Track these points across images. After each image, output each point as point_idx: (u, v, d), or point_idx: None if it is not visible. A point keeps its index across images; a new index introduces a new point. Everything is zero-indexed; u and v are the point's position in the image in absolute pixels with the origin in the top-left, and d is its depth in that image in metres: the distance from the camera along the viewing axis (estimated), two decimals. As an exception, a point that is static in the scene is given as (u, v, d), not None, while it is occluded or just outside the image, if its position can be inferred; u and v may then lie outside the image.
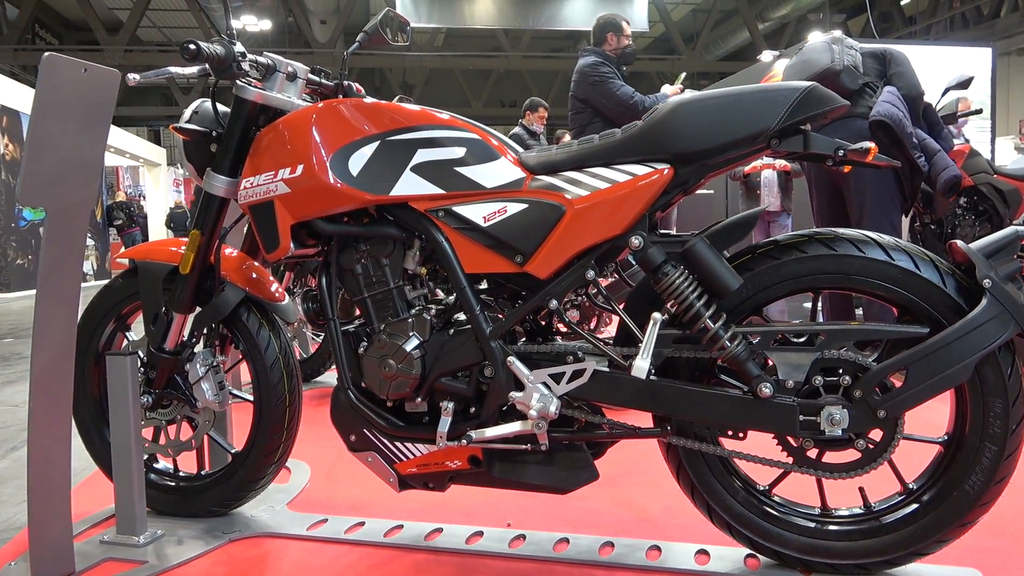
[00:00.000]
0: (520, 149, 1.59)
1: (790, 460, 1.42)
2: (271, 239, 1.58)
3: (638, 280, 1.54)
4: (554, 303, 1.45)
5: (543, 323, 1.64)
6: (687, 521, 1.77)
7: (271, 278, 1.85)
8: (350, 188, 1.51)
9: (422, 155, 1.51)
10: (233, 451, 1.87)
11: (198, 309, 1.78)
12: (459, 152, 1.50)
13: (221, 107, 1.75)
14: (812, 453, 1.43)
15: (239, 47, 1.57)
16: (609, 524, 1.79)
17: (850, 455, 1.39)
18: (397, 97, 2.28)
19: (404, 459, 1.60)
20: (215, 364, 1.79)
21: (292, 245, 1.59)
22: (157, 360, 1.77)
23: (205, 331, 1.78)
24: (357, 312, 1.71)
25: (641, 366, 1.34)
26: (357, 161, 1.52)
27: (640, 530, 1.75)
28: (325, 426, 1.90)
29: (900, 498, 1.44)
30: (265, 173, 1.56)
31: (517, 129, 6.64)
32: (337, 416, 1.64)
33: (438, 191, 1.50)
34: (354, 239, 1.61)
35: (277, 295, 1.80)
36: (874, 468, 1.37)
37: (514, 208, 1.46)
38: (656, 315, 1.36)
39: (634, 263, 1.46)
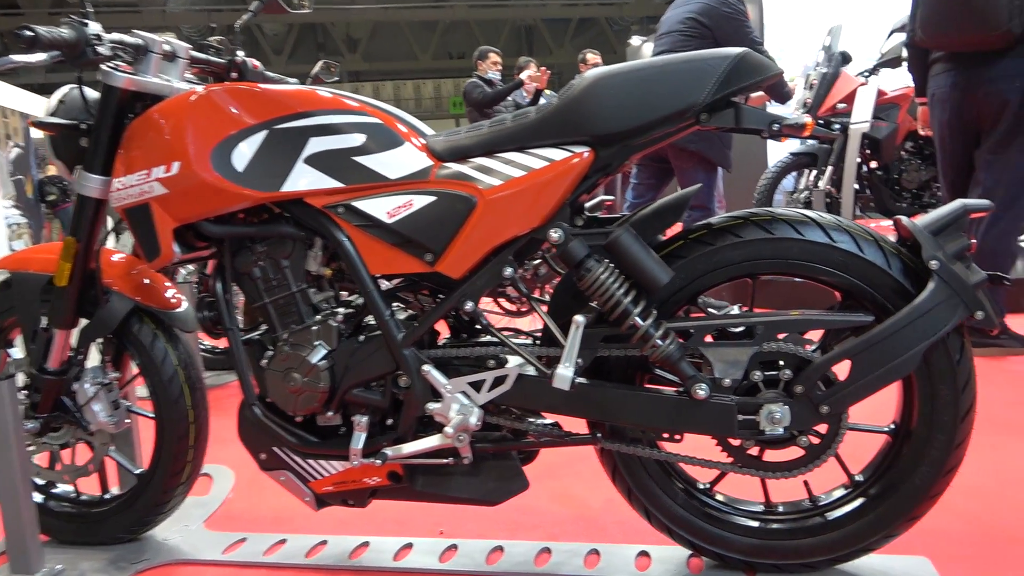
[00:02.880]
0: (429, 132, 1.43)
1: (730, 460, 1.32)
2: (150, 246, 1.40)
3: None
4: (469, 305, 1.31)
5: (467, 319, 1.51)
6: (628, 516, 1.68)
7: (168, 283, 1.67)
8: (235, 186, 1.34)
9: (315, 144, 1.34)
10: (138, 472, 1.71)
11: (85, 322, 1.60)
12: (358, 139, 1.33)
13: (91, 93, 1.54)
14: (753, 451, 1.33)
15: (94, 27, 1.36)
16: (547, 525, 1.69)
17: (793, 452, 1.29)
18: (320, 63, 2.08)
19: (319, 477, 1.46)
20: (107, 382, 1.62)
21: (177, 250, 1.42)
22: (40, 382, 1.59)
23: (94, 347, 1.60)
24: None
25: (564, 375, 1.22)
26: (241, 155, 1.34)
27: (579, 530, 1.65)
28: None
29: (846, 492, 1.36)
30: (137, 172, 1.37)
31: (473, 80, 6.29)
32: (244, 434, 1.49)
33: (336, 184, 1.33)
34: (249, 239, 1.44)
35: (172, 301, 1.62)
36: (818, 465, 1.28)
37: (421, 201, 1.31)
38: (578, 318, 1.23)
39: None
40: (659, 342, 1.23)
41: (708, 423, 1.25)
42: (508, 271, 1.29)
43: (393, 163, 1.33)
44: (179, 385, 1.61)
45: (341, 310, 1.43)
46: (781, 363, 1.26)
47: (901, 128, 4.92)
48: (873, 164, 5.12)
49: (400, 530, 1.70)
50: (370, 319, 1.45)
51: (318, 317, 1.42)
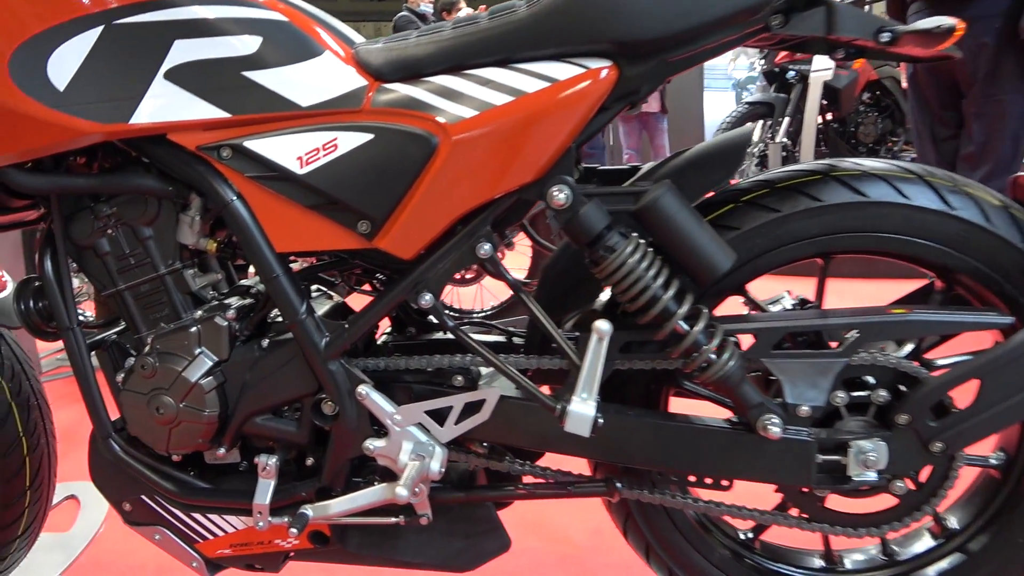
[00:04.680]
0: (358, 40, 0.97)
1: (793, 511, 0.95)
2: (-77, 206, 0.90)
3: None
4: (427, 298, 0.88)
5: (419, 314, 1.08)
6: (621, 554, 1.31)
7: (-20, 256, 1.17)
8: (54, 112, 0.85)
9: (182, 50, 0.86)
10: (-46, 521, 1.23)
11: None
12: (250, 44, 0.87)
13: None
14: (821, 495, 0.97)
15: None
16: (524, 568, 1.31)
17: (881, 500, 0.93)
18: None
19: (209, 537, 1.03)
20: None
21: None
22: None
23: None
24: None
25: (582, 415, 0.81)
26: (62, 64, 0.85)
27: (563, 574, 1.28)
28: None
29: (935, 543, 1.02)
30: None
31: (403, 14, 5.49)
32: (98, 477, 1.04)
33: (216, 114, 0.87)
34: (89, 197, 0.96)
35: (-14, 285, 1.13)
36: (916, 520, 0.93)
37: (350, 141, 0.86)
38: (601, 326, 0.82)
39: (556, 225, 0.91)
40: (713, 356, 0.83)
41: (777, 468, 0.87)
42: (485, 248, 0.86)
43: (305, 82, 0.87)
44: (4, 403, 1.13)
45: (233, 301, 0.98)
46: (875, 383, 0.89)
47: (861, 77, 4.65)
48: (828, 116, 4.85)
49: (328, 583, 1.28)
50: (277, 315, 1.01)
51: (199, 312, 0.96)
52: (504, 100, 0.82)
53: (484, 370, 0.96)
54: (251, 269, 1.13)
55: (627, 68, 0.82)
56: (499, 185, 0.84)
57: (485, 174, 0.83)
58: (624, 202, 0.84)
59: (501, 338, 1.06)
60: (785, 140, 4.58)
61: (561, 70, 0.82)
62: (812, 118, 4.44)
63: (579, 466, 0.99)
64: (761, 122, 4.83)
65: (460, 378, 0.93)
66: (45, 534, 1.35)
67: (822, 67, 4.33)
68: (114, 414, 1.00)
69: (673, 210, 0.81)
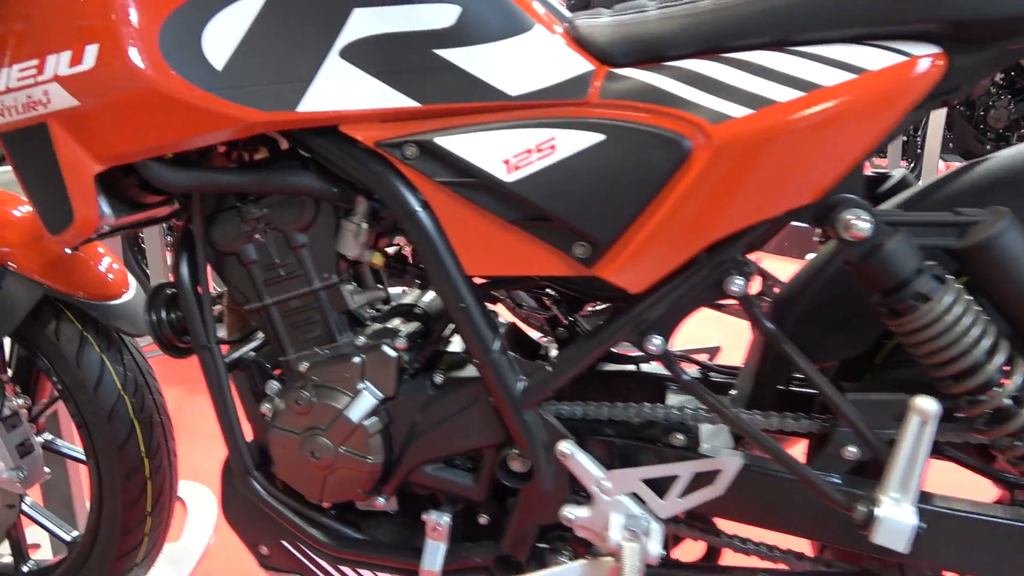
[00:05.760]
0: (566, 14, 0.78)
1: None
2: (55, 203, 0.76)
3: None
4: (657, 342, 0.70)
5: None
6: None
7: (102, 252, 1.04)
8: (211, 96, 0.70)
9: (363, 21, 0.69)
10: (70, 538, 1.12)
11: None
12: (444, 14, 0.69)
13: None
14: None
15: None
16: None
17: None
18: None
19: (360, 594, 0.88)
20: (7, 415, 1.00)
21: (107, 210, 0.78)
22: None
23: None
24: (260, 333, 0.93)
25: (898, 525, 0.62)
26: (221, 36, 0.69)
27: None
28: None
29: None
30: (20, 62, 0.72)
31: None
32: (233, 514, 0.90)
33: (402, 102, 0.70)
34: (237, 196, 0.81)
35: (109, 286, 1.00)
36: None
37: (573, 142, 0.68)
38: (925, 405, 0.62)
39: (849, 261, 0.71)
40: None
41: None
42: (737, 283, 0.68)
43: (514, 65, 0.69)
44: (126, 420, 1.00)
45: (400, 325, 0.82)
46: None
47: (995, 54, 4.22)
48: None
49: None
50: (455, 345, 0.85)
51: (362, 339, 0.81)
52: (789, 96, 0.62)
53: (707, 425, 0.78)
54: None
55: (959, 56, 0.61)
56: (770, 205, 0.65)
57: (754, 190, 0.64)
58: (943, 235, 0.63)
59: (694, 371, 0.88)
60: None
61: (870, 57, 0.61)
62: (940, 100, 4.06)
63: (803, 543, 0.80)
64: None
65: (681, 436, 0.75)
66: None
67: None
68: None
69: (1018, 251, 0.60)
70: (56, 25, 0.70)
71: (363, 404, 0.79)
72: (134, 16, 0.68)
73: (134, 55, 0.68)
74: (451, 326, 0.88)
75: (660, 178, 0.66)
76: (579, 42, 0.71)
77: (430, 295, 0.90)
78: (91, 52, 0.69)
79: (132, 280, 1.03)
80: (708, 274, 0.68)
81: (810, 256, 0.77)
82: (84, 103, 0.70)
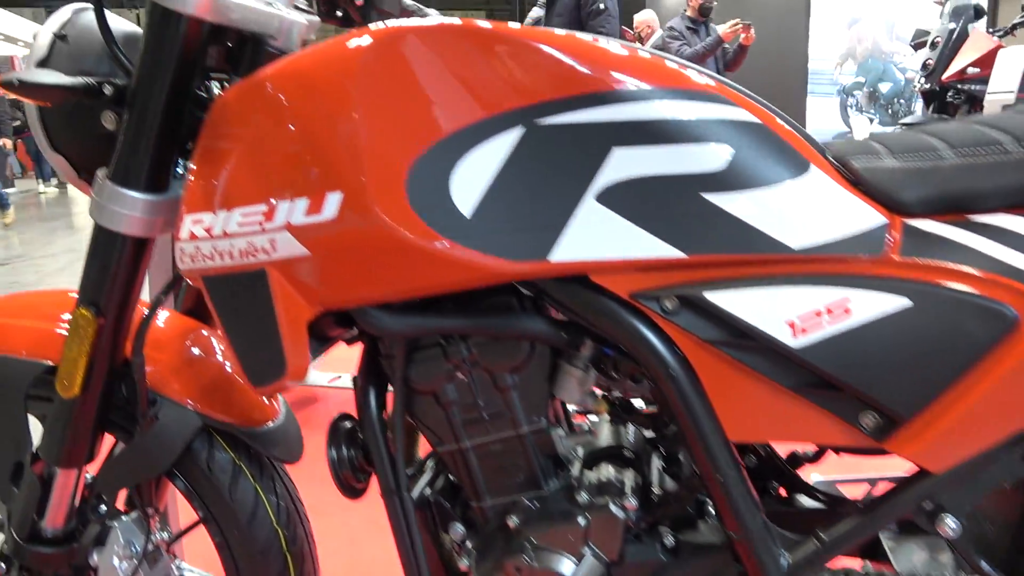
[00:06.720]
0: (828, 150, 0.71)
1: None
2: (266, 352, 0.68)
3: None
4: (954, 527, 0.63)
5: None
6: None
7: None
8: (459, 247, 0.62)
9: (623, 162, 0.62)
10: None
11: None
12: (715, 155, 0.62)
13: (121, 23, 0.80)
14: None
15: None
16: None
17: None
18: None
19: None
20: (152, 548, 0.91)
21: (312, 356, 0.70)
22: (29, 557, 0.88)
23: (133, 494, 0.91)
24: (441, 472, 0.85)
25: None
26: (470, 180, 0.62)
27: None
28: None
29: None
30: (241, 206, 0.65)
31: (676, 21, 4.55)
32: None
33: (665, 252, 0.63)
34: (446, 337, 0.74)
35: (267, 409, 0.92)
36: None
37: (870, 304, 0.60)
38: None
39: None
40: None
41: None
42: (1052, 464, 0.60)
43: (794, 213, 0.62)
44: (280, 556, 0.92)
45: (620, 476, 0.74)
46: None
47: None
48: (959, 99, 4.37)
49: None
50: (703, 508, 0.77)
51: (585, 495, 0.73)
52: None
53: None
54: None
55: None
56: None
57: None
58: None
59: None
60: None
61: None
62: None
63: None
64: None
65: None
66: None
67: (1002, 89, 3.91)
68: None
69: None
70: (288, 170, 0.63)
71: (589, 572, 0.71)
72: (382, 162, 0.61)
73: (382, 205, 0.61)
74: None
75: (977, 351, 0.58)
76: (859, 186, 0.64)
77: (631, 431, 0.82)
78: (333, 201, 0.61)
79: (282, 400, 0.95)
80: (1010, 451, 0.61)
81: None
82: (315, 252, 0.63)
